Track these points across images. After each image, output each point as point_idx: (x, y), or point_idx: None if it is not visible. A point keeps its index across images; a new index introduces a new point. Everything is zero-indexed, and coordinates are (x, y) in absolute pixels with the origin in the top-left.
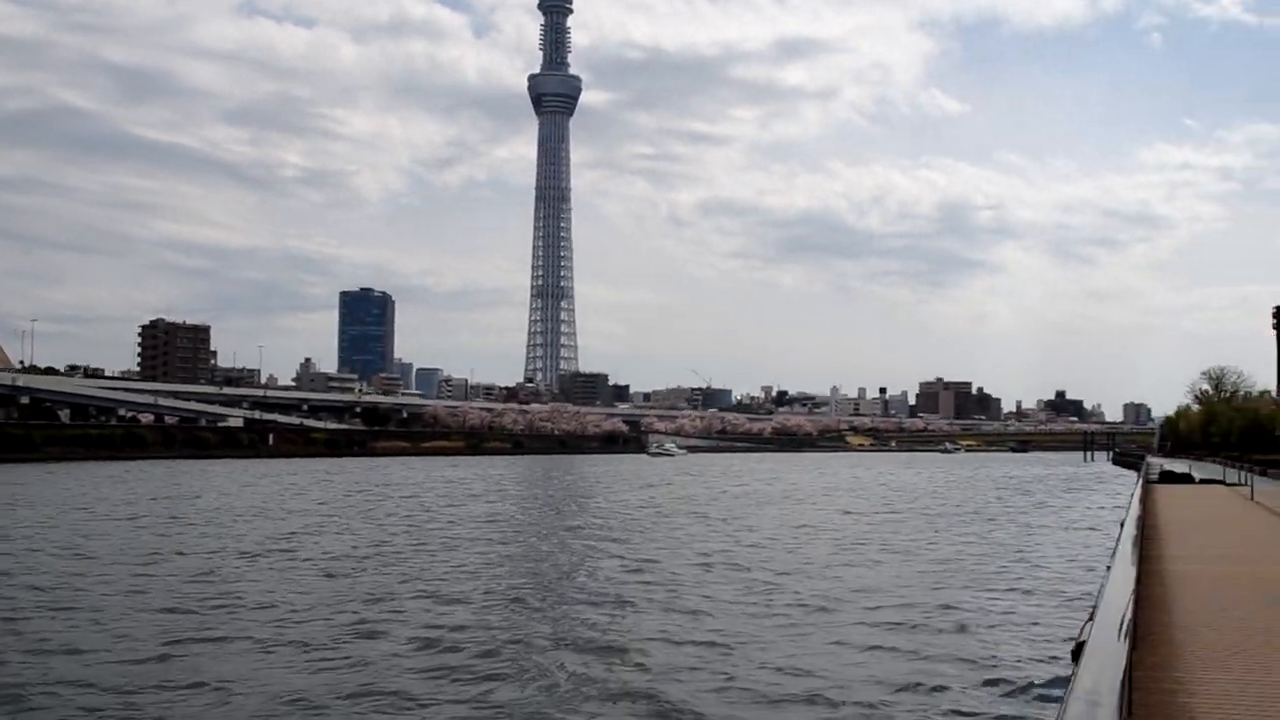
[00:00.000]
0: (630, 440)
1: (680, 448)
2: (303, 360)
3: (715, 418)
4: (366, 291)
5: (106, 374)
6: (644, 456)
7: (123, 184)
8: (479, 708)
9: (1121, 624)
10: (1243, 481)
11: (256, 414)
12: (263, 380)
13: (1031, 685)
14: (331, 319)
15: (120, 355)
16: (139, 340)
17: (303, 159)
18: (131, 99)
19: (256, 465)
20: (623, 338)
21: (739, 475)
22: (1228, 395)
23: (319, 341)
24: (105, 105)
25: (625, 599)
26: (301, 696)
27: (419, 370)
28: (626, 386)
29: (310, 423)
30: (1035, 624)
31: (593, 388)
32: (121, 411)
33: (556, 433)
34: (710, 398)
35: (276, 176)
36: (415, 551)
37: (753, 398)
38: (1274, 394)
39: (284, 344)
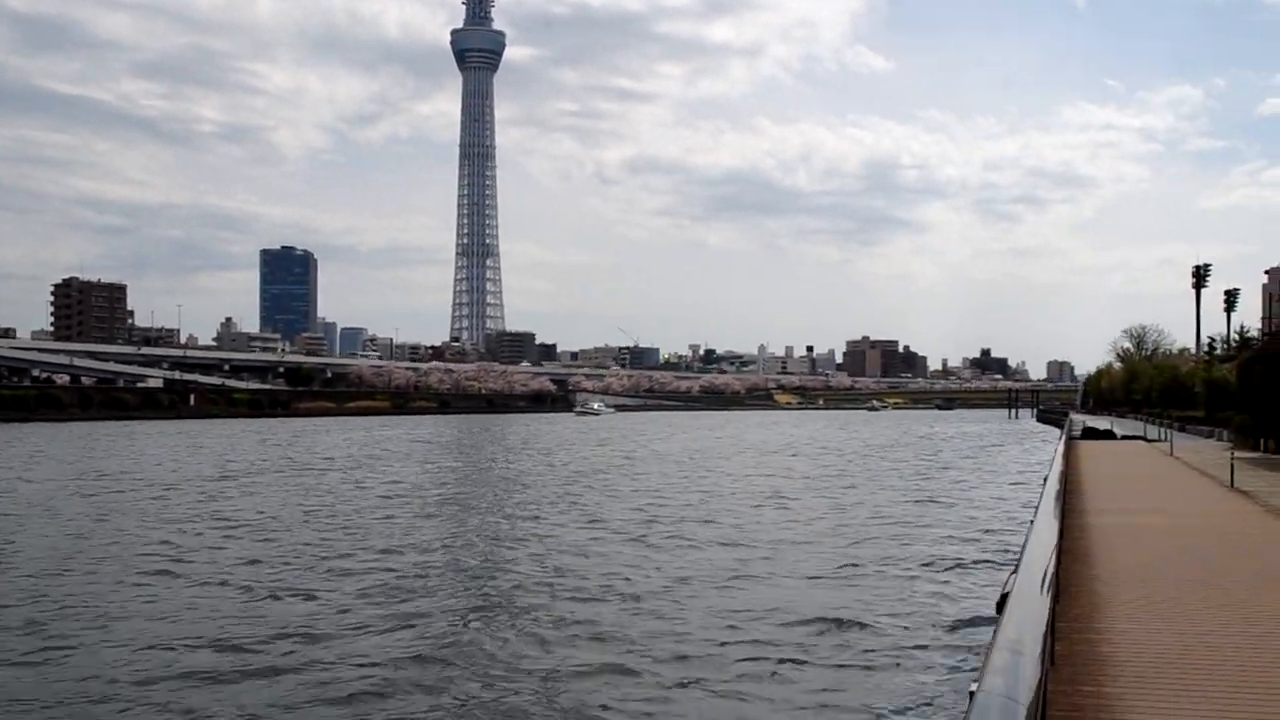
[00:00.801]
0: (558, 399)
1: (608, 406)
2: (223, 320)
3: (643, 376)
4: (288, 250)
5: (19, 335)
6: (571, 416)
7: (32, 138)
8: (432, 649)
9: (1044, 576)
10: (1162, 437)
11: (177, 374)
12: (182, 340)
13: (957, 633)
14: (253, 278)
15: (33, 315)
16: (52, 299)
17: (220, 114)
18: (37, 50)
19: (179, 426)
20: (550, 296)
21: (669, 434)
22: (1149, 353)
23: (240, 301)
24: (8, 56)
25: (578, 550)
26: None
27: (343, 330)
28: (554, 345)
29: (232, 383)
30: (961, 574)
31: (520, 347)
32: (35, 372)
33: (483, 392)
34: (638, 356)
35: (194, 132)
36: (358, 513)
37: (680, 356)
38: (1193, 352)
39: (204, 303)
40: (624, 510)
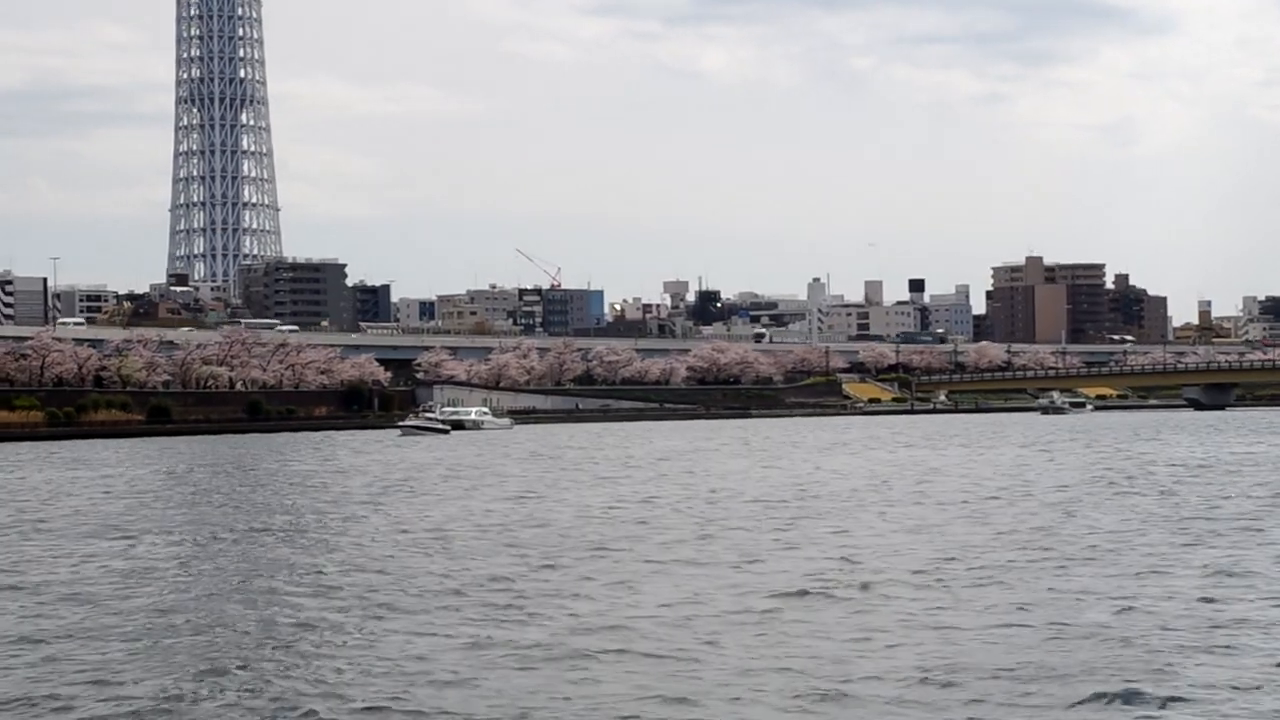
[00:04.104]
0: (394, 399)
1: (496, 415)
2: None
3: (571, 351)
4: None
5: None
6: (415, 440)
7: None
8: None
9: None
10: None
11: None
12: None
13: None
14: None
15: None
16: None
17: None
18: None
19: None
20: (376, 191)
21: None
22: None
23: None
24: None
25: None
26: None
27: None
28: (385, 289)
29: None
30: None
31: (314, 293)
32: None
33: (241, 386)
34: (560, 309)
35: None
36: None
37: (648, 308)
38: None
39: None
40: None
